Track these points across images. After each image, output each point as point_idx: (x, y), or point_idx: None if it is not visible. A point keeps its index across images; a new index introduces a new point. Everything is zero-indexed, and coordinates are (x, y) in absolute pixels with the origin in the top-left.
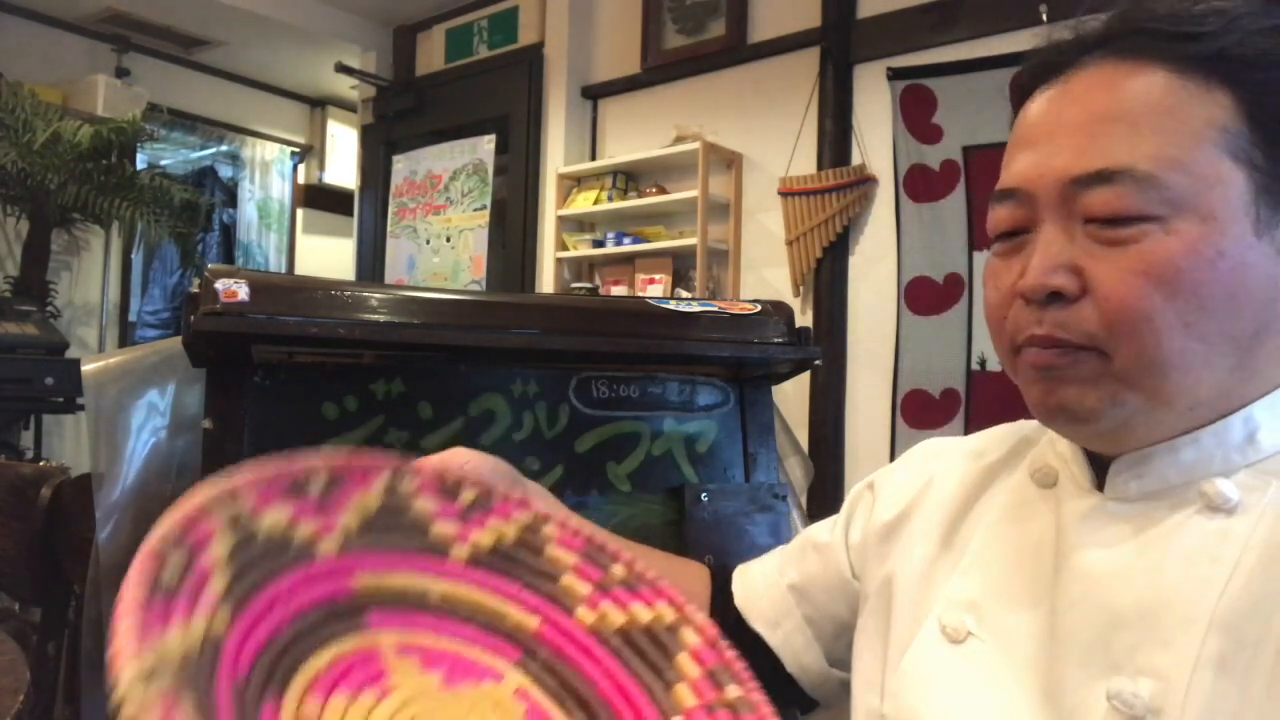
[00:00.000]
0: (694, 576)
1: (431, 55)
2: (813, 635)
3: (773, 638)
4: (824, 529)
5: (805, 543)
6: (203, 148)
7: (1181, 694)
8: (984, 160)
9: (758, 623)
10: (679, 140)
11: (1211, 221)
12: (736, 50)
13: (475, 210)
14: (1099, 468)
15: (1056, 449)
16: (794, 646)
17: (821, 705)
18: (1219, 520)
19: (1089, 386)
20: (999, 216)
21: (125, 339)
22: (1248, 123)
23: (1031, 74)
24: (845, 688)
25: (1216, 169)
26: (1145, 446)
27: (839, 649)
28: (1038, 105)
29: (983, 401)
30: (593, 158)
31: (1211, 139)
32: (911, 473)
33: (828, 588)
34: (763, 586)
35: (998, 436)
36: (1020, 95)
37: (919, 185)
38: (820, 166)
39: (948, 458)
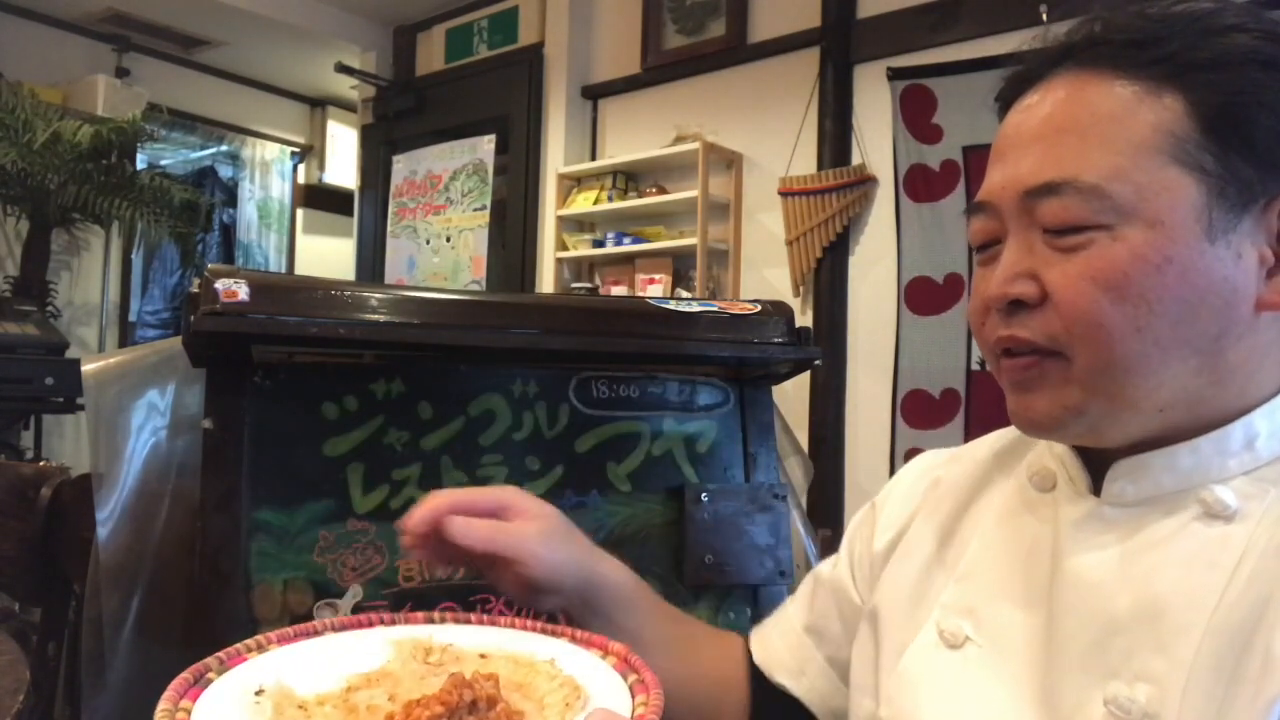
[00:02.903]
0: (731, 654)
1: (431, 55)
2: (837, 677)
3: (798, 687)
4: (829, 564)
5: (813, 582)
6: (203, 148)
7: (1177, 698)
8: (984, 160)
9: (780, 674)
10: (679, 140)
11: (1159, 228)
12: (736, 50)
13: (475, 210)
14: (1096, 471)
15: (1054, 451)
16: (821, 693)
17: None
18: (1218, 527)
19: (1054, 397)
20: (974, 229)
21: (125, 339)
22: (1198, 127)
23: (1009, 86)
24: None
25: (1163, 176)
26: (1131, 447)
27: None
28: (1010, 118)
29: (983, 401)
30: (593, 158)
31: (1159, 146)
32: (910, 490)
33: (842, 618)
34: (778, 635)
35: (993, 439)
36: (1001, 107)
37: (919, 185)
38: (820, 166)
39: (945, 466)
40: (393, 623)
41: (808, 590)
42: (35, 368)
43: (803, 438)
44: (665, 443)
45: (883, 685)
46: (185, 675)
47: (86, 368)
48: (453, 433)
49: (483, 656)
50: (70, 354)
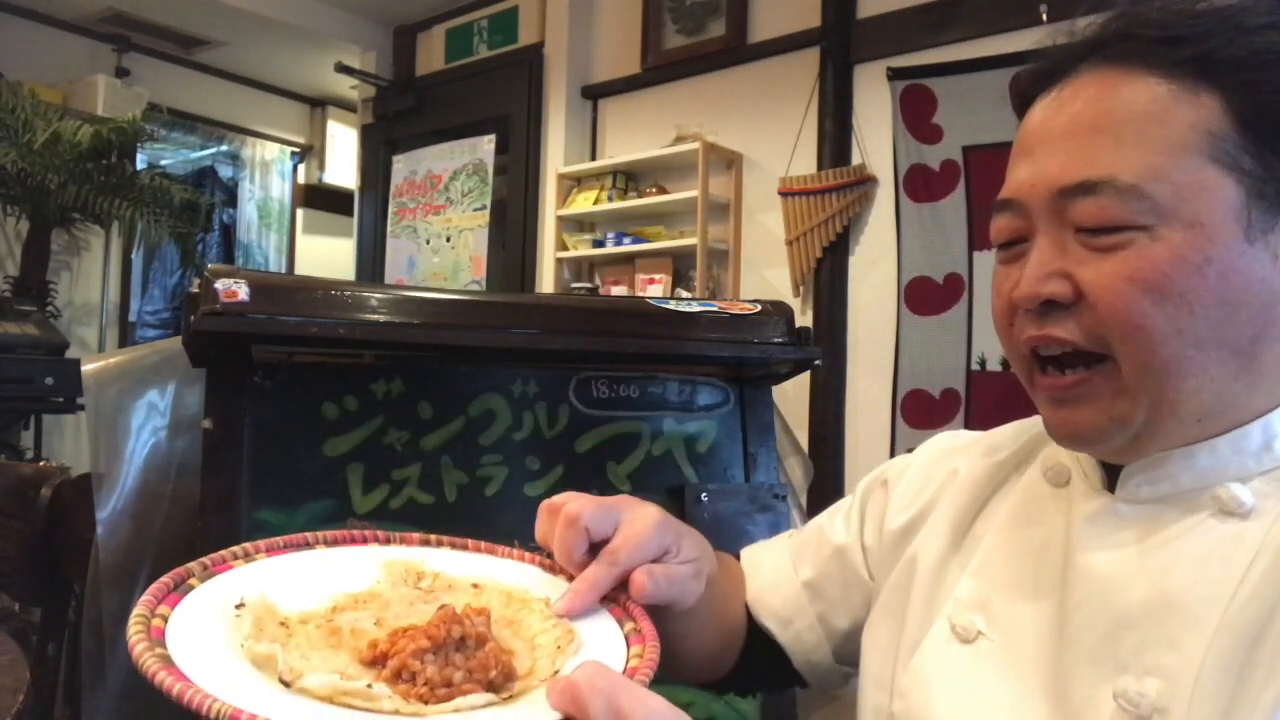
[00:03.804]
0: (737, 599)
1: (431, 55)
2: (824, 635)
3: (783, 635)
4: (839, 527)
5: (820, 539)
6: (203, 148)
7: (1187, 694)
8: (984, 160)
9: (769, 620)
10: (679, 140)
11: (1198, 228)
12: (736, 50)
13: (475, 210)
14: (1111, 468)
15: None
16: (804, 645)
17: (811, 685)
18: (1233, 524)
19: (1099, 410)
20: (998, 227)
21: (125, 339)
22: (1236, 125)
23: (1030, 80)
24: (843, 678)
25: (1202, 176)
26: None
27: (849, 649)
28: (1035, 114)
29: (983, 401)
30: (593, 158)
31: (1197, 145)
32: (927, 473)
33: (844, 585)
34: (773, 581)
35: (1012, 433)
36: (1020, 101)
37: (919, 185)
38: (820, 166)
39: (968, 457)
40: (387, 541)
41: (812, 545)
42: (35, 368)
43: (803, 438)
44: (665, 443)
45: (897, 679)
46: (166, 579)
47: (86, 368)
48: (453, 433)
49: (475, 587)
50: (70, 354)
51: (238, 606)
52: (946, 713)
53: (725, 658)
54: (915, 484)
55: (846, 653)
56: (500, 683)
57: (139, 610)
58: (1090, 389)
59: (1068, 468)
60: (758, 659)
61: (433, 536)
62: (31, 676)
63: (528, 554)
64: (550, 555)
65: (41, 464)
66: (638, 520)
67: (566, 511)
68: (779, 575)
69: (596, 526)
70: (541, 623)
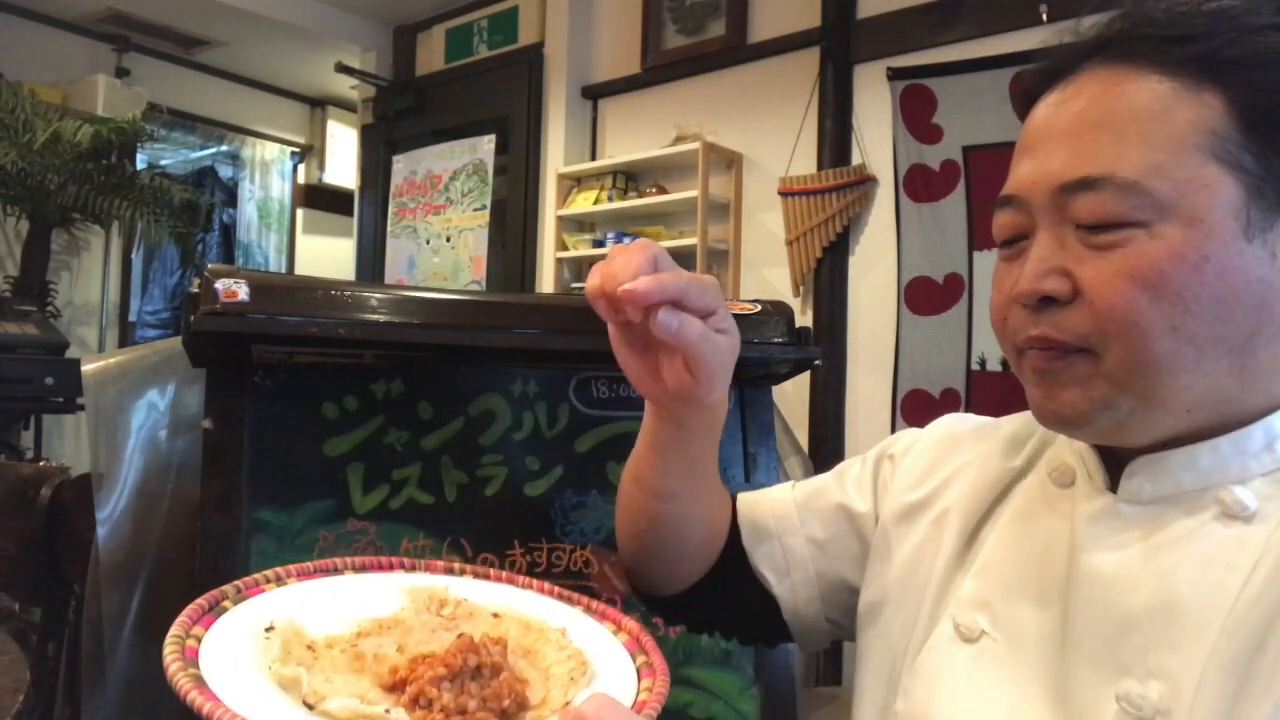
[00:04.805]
0: (724, 512)
1: (431, 55)
2: (818, 592)
3: (778, 586)
4: (851, 492)
5: (828, 499)
6: (203, 148)
7: (1189, 697)
8: (984, 160)
9: (765, 567)
10: (679, 140)
11: (1197, 225)
12: (736, 50)
13: (475, 210)
14: (1114, 468)
15: (1074, 447)
16: (796, 599)
17: (794, 637)
18: (1236, 527)
19: (1081, 390)
20: (1000, 223)
21: (125, 339)
22: (1238, 124)
23: (1034, 80)
24: (825, 636)
25: (1202, 173)
26: (1151, 445)
27: (837, 611)
28: (1038, 112)
29: (983, 401)
30: (593, 158)
31: (1198, 143)
32: (934, 455)
33: (853, 549)
34: (776, 531)
35: (1024, 425)
36: (1024, 101)
37: (919, 185)
38: (820, 166)
39: (981, 448)
40: (413, 568)
41: (822, 504)
42: (35, 368)
43: (803, 438)
44: None
45: (902, 679)
46: (201, 601)
47: (86, 368)
48: (453, 433)
49: (495, 616)
50: (70, 354)
51: (267, 629)
52: (949, 712)
53: (695, 563)
54: (922, 464)
55: (834, 615)
56: (513, 712)
57: (175, 631)
58: (1066, 365)
59: (1073, 468)
60: (743, 599)
61: (455, 565)
62: (31, 676)
63: (546, 585)
64: (560, 583)
65: (41, 464)
66: (703, 274)
67: (641, 242)
68: (782, 527)
69: (663, 260)
70: (557, 653)
